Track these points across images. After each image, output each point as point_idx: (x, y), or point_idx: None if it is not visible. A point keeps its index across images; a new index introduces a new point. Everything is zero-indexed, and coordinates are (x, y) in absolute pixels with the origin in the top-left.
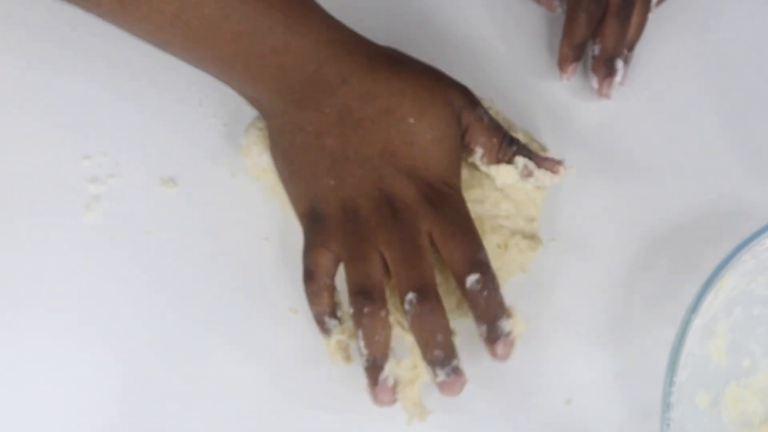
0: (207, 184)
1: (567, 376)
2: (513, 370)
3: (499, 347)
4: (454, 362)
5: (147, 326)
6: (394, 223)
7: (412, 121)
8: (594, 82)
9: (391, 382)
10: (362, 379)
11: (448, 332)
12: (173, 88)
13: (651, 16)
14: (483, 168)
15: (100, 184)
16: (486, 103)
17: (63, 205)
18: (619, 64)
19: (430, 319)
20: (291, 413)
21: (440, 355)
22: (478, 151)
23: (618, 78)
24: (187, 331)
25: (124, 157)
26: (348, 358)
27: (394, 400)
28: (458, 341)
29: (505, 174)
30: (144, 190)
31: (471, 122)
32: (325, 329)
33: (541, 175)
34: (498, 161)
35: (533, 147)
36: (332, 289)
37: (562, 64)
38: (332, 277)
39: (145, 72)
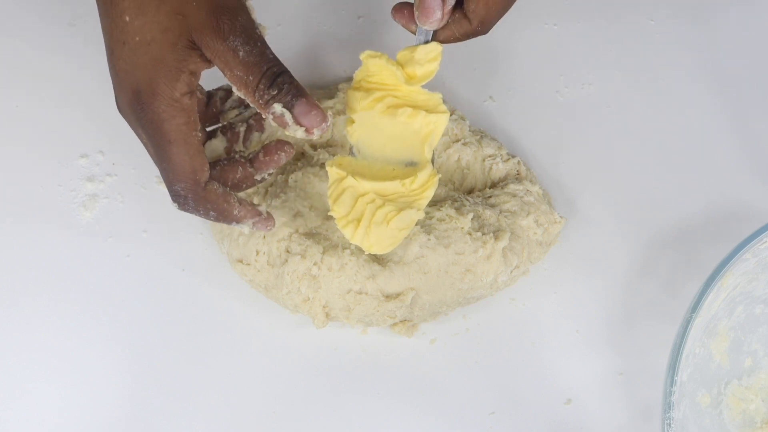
0: None
1: (567, 375)
2: (513, 369)
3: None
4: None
5: (143, 325)
6: None
7: (127, 19)
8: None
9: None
10: (363, 379)
11: None
12: None
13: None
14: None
15: (97, 183)
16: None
17: (60, 203)
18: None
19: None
20: (291, 411)
21: None
22: (233, 86)
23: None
24: (185, 329)
25: (121, 155)
26: None
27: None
28: (455, 340)
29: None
30: (141, 189)
31: (219, 53)
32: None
33: (297, 131)
34: (255, 103)
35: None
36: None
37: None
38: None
39: None
